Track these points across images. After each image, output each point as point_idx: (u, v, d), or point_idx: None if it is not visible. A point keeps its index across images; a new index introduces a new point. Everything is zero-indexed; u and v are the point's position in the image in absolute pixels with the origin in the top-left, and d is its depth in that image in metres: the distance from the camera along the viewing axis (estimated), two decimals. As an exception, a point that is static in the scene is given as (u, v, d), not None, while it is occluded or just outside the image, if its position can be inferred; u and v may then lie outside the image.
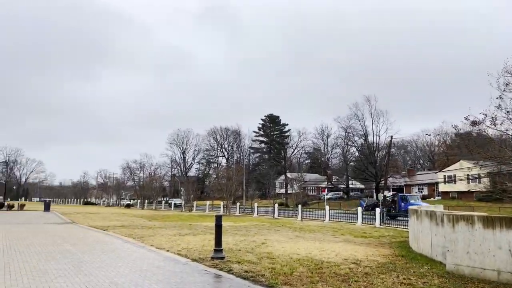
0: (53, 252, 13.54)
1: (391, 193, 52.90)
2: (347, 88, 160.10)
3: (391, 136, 52.90)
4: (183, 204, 56.93)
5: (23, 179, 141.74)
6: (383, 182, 55.11)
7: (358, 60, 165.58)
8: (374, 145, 72.11)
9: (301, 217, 35.76)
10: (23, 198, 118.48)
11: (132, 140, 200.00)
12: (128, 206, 74.31)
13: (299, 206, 37.74)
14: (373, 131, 71.94)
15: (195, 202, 57.05)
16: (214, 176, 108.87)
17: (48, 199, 49.94)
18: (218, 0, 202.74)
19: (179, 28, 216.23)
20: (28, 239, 17.62)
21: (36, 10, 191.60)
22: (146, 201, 70.72)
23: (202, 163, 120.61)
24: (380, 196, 48.20)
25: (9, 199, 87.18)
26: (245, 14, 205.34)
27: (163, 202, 71.43)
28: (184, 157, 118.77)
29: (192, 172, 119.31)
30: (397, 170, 77.63)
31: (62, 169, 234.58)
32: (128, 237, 18.87)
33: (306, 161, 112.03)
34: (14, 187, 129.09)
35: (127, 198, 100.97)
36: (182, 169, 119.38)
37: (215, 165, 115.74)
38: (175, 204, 58.95)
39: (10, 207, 44.09)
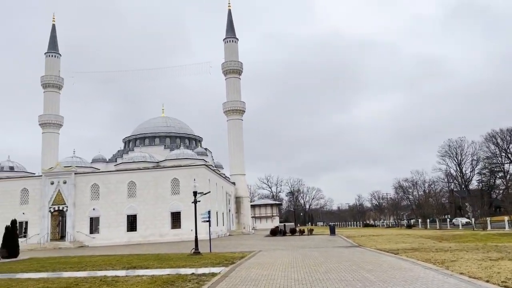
0: (352, 280, 12.65)
1: None
2: None
3: None
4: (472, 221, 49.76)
5: (307, 206, 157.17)
6: None
7: None
8: None
9: None
10: (309, 223, 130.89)
11: (398, 158, 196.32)
12: (409, 226, 70.92)
13: None
14: None
15: (488, 219, 48.99)
16: (503, 187, 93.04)
17: (332, 223, 52.56)
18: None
19: (424, 36, 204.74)
20: (324, 264, 17.62)
21: (298, 57, 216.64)
22: (428, 220, 65.75)
23: (484, 174, 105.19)
24: None
25: (298, 225, 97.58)
26: (499, 4, 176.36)
27: (448, 220, 64.76)
28: (461, 169, 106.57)
29: (473, 185, 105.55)
30: None
31: (338, 194, 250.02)
32: (426, 262, 16.55)
33: None
34: (301, 214, 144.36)
35: (405, 218, 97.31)
36: (460, 182, 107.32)
37: (502, 174, 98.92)
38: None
39: (301, 232, 48.32)
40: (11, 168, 53.33)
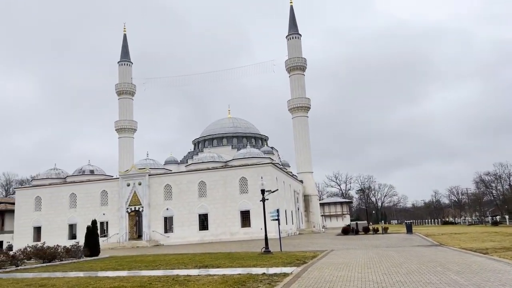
0: (439, 283, 11.40)
1: None
2: None
3: None
4: None
5: (379, 204, 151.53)
6: None
7: None
8: None
9: None
10: (382, 221, 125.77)
11: (478, 151, 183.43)
12: (494, 223, 65.34)
13: None
14: None
15: None
16: None
17: (409, 221, 49.73)
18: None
19: (500, 19, 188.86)
20: (404, 265, 16.32)
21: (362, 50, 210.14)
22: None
23: None
24: None
25: (370, 223, 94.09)
26: None
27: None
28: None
29: None
30: None
31: (411, 191, 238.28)
32: (524, 264, 14.70)
33: None
34: (373, 212, 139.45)
35: (489, 214, 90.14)
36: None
37: None
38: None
39: (375, 231, 46.24)
40: (92, 172, 56.81)
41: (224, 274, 15.33)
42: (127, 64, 79.33)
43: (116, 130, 76.93)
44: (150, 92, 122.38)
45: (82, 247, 28.51)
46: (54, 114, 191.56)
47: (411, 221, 53.77)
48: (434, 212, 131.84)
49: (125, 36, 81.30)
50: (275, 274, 14.89)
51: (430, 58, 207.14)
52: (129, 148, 76.86)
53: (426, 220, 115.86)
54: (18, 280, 16.26)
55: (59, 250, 25.72)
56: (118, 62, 79.73)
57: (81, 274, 18.14)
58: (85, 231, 30.16)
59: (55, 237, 50.81)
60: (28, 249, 26.23)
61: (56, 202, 54.86)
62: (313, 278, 13.58)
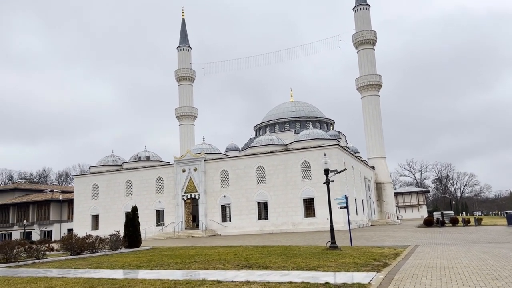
0: None
1: None
2: None
3: None
4: None
5: (458, 194, 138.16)
6: None
7: None
8: None
9: None
10: (463, 212, 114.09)
11: None
12: None
13: None
14: None
15: None
16: None
17: (510, 211, 41.54)
18: None
19: None
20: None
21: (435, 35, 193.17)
22: None
23: None
24: None
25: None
26: None
27: None
28: None
29: None
30: None
31: (492, 180, 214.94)
32: None
33: None
34: (453, 202, 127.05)
35: None
36: None
37: None
38: None
39: (466, 222, 38.80)
40: (147, 158, 54.45)
41: (268, 282, 10.42)
42: (186, 49, 76.72)
43: (176, 117, 74.85)
44: (211, 83, 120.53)
45: (122, 237, 25.11)
46: (127, 112, 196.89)
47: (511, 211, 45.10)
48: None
49: (183, 20, 78.68)
50: (344, 285, 9.70)
51: (500, 43, 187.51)
52: (190, 135, 74.48)
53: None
54: None
55: (91, 241, 22.35)
56: (177, 48, 77.35)
57: (85, 274, 14.12)
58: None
59: (112, 225, 49.03)
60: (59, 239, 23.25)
61: (113, 189, 53.19)
62: (408, 298, 8.25)
